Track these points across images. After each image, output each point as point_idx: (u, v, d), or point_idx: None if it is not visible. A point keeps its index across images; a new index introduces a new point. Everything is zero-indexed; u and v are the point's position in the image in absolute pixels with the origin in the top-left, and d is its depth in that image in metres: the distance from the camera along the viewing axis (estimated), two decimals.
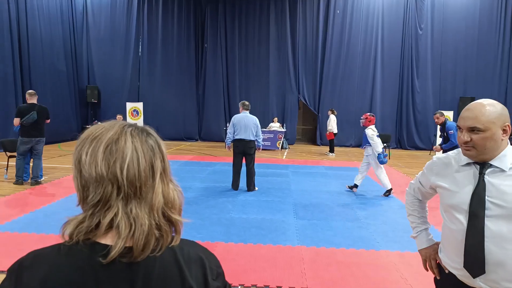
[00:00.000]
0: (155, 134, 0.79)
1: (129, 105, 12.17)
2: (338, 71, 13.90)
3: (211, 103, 14.48)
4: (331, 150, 11.64)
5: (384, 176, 6.52)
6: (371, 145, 6.41)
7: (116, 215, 0.69)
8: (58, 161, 9.13)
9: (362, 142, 6.75)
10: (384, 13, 13.73)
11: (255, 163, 6.81)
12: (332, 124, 11.48)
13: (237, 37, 14.26)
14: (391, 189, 6.62)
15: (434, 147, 6.93)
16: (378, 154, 6.33)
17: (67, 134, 13.35)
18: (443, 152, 6.45)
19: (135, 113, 12.07)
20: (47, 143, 11.88)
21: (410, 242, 4.39)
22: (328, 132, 11.65)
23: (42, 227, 4.52)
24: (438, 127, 7.49)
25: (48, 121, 6.89)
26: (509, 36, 13.32)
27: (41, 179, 6.80)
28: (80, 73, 14.32)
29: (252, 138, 6.49)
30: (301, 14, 13.95)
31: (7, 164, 7.27)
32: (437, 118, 6.56)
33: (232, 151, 6.73)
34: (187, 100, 14.48)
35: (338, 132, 13.97)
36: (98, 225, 0.69)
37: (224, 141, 11.72)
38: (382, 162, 6.34)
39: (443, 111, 7.40)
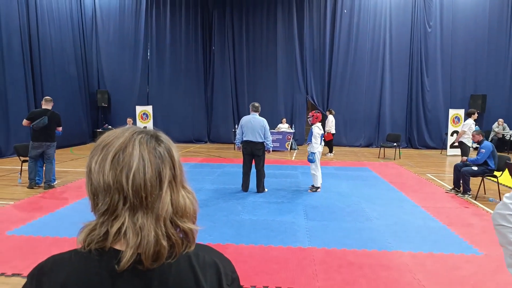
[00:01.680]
0: (166, 140, 0.78)
1: (139, 109, 12.28)
2: (346, 71, 13.83)
3: (220, 105, 14.52)
4: (330, 151, 11.61)
5: (319, 173, 6.68)
6: (319, 143, 6.56)
7: (123, 224, 0.70)
8: (70, 165, 9.26)
9: (317, 140, 6.78)
10: (392, 11, 13.61)
11: (265, 164, 6.80)
12: (330, 124, 11.43)
13: (245, 39, 14.28)
14: (318, 187, 6.75)
15: (462, 158, 7.26)
16: (310, 152, 6.51)
17: (79, 138, 13.53)
18: (465, 165, 6.57)
19: (144, 116, 12.17)
20: (59, 147, 12.09)
21: (422, 243, 4.35)
22: (326, 133, 11.58)
23: (56, 230, 4.59)
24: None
25: (60, 128, 6.97)
26: None
27: (54, 183, 6.91)
28: (90, 77, 14.50)
29: (260, 140, 6.47)
30: (308, 14, 13.91)
31: (21, 168, 7.40)
32: (473, 136, 6.67)
33: (241, 152, 6.74)
34: (196, 102, 14.55)
35: (347, 132, 13.93)
36: (107, 233, 0.71)
37: (233, 143, 11.73)
38: (310, 161, 6.58)
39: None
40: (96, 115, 14.96)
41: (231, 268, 0.83)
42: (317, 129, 6.58)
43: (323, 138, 6.80)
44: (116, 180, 0.70)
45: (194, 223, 0.78)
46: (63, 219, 5.04)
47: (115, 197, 0.71)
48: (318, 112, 6.75)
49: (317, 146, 6.53)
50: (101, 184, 0.71)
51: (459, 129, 10.62)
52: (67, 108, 12.66)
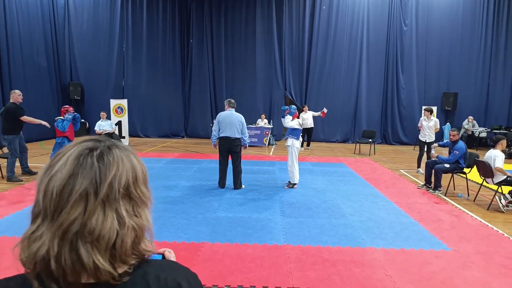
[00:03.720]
0: (116, 155, 0.70)
1: (113, 102, 11.94)
2: (324, 67, 13.94)
3: (197, 100, 14.34)
4: (308, 144, 12.04)
5: (296, 170, 6.77)
6: (292, 136, 6.66)
7: (35, 230, 0.65)
8: (40, 160, 8.92)
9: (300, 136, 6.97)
10: (369, 8, 13.79)
11: (242, 160, 6.78)
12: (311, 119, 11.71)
13: (223, 33, 14.12)
14: (295, 184, 6.85)
15: (431, 154, 7.26)
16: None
17: (49, 132, 12.98)
18: (435, 162, 6.74)
19: (119, 110, 11.85)
20: (28, 141, 11.64)
21: (395, 239, 4.45)
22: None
23: (23, 230, 4.40)
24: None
25: (23, 118, 6.80)
26: (491, 33, 13.57)
27: (10, 176, 6.72)
28: (62, 69, 13.97)
29: (238, 136, 6.45)
30: (288, 10, 13.90)
31: None
32: (454, 135, 6.73)
33: (218, 149, 6.69)
34: (173, 96, 14.31)
35: (324, 128, 14.09)
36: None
37: (210, 138, 11.68)
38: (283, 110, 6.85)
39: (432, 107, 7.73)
40: None
41: (198, 285, 0.76)
42: (295, 121, 6.68)
43: (300, 134, 6.85)
44: (40, 180, 0.67)
45: (116, 258, 0.66)
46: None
47: (36, 201, 0.67)
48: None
49: (287, 121, 6.65)
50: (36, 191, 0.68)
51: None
52: (36, 100, 12.19)
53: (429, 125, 8.39)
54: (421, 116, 12.16)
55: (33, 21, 12.15)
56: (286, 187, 6.86)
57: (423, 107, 9.57)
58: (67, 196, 0.64)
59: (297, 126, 6.69)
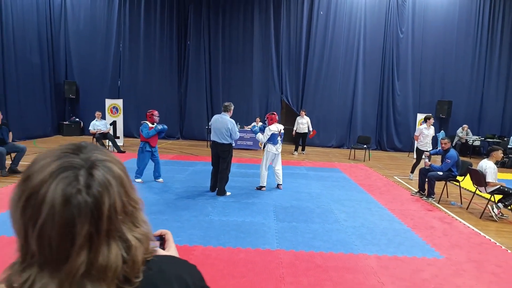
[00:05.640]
0: (100, 180, 0.62)
1: (109, 102, 11.87)
2: (320, 72, 13.98)
3: (193, 101, 14.31)
4: (303, 149, 12.10)
5: (265, 173, 6.92)
6: (269, 142, 6.81)
7: (29, 278, 0.60)
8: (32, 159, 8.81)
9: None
10: (366, 15, 13.88)
11: (237, 163, 6.75)
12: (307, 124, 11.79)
13: (221, 35, 14.13)
14: (262, 186, 6.95)
15: (425, 162, 7.15)
16: (254, 130, 7.09)
17: (42, 130, 12.96)
18: (428, 170, 6.74)
19: (114, 110, 11.78)
20: (20, 139, 11.56)
21: (387, 245, 4.46)
22: (312, 131, 11.88)
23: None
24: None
25: None
26: (486, 42, 13.72)
27: None
28: (57, 67, 13.87)
29: (224, 141, 6.27)
30: (285, 14, 13.95)
31: None
32: (445, 144, 6.74)
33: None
34: (169, 97, 14.27)
35: (320, 133, 14.13)
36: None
37: (205, 140, 11.65)
38: (254, 132, 7.10)
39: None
40: (63, 106, 14.35)
41: (199, 276, 0.78)
42: (272, 127, 6.76)
43: (278, 137, 6.86)
44: (24, 229, 0.60)
45: (121, 281, 0.64)
46: None
47: (24, 246, 0.61)
48: (273, 114, 6.87)
49: (261, 137, 6.83)
50: (14, 225, 0.62)
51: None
52: (27, 98, 12.10)
53: (430, 133, 8.36)
54: (416, 124, 12.33)
55: (27, 17, 12.06)
56: (256, 188, 6.98)
57: (424, 115, 9.39)
58: (70, 244, 0.59)
59: (272, 132, 6.74)
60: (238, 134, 6.49)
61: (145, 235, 0.69)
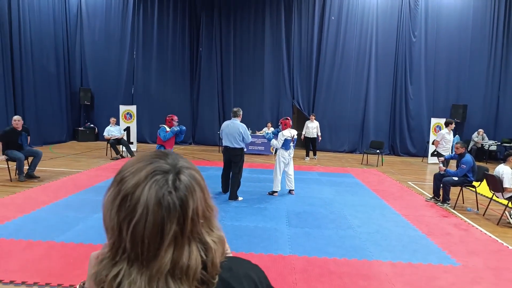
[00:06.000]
0: (186, 184, 0.68)
1: (123, 108, 12.06)
2: (332, 77, 13.94)
3: (205, 107, 14.42)
4: (314, 154, 12.02)
5: (278, 178, 6.88)
6: (282, 148, 6.81)
7: (119, 273, 0.65)
8: (49, 164, 9.01)
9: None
10: (378, 19, 13.81)
11: (249, 168, 6.78)
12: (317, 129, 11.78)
13: (232, 42, 14.24)
14: (275, 191, 6.94)
15: (439, 167, 7.02)
16: (269, 137, 7.10)
17: (58, 136, 13.23)
18: (443, 176, 6.62)
19: (128, 116, 11.95)
20: (37, 144, 11.84)
21: (402, 252, 4.39)
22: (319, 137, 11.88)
23: (31, 233, 4.44)
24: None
25: None
26: (501, 45, 13.48)
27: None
28: (72, 75, 14.18)
29: (237, 146, 6.34)
30: (296, 20, 13.98)
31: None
32: (457, 148, 6.62)
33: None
34: (181, 104, 14.41)
35: (332, 138, 14.07)
36: (107, 276, 0.66)
37: (217, 145, 11.70)
38: (268, 138, 7.13)
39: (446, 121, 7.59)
40: (78, 113, 14.64)
41: (263, 275, 0.83)
42: (286, 132, 6.77)
43: (291, 143, 6.86)
44: (119, 226, 0.66)
45: (199, 282, 0.68)
46: (38, 222, 4.88)
47: (116, 242, 0.66)
48: (287, 119, 6.88)
49: (275, 143, 6.83)
50: (107, 223, 0.68)
51: (436, 137, 10.86)
52: (44, 105, 12.40)
53: (451, 138, 8.22)
54: (430, 129, 12.15)
55: (44, 28, 12.41)
56: (268, 193, 6.96)
57: (441, 120, 9.17)
58: (158, 242, 0.64)
59: (286, 137, 6.74)
60: (250, 138, 6.59)
61: (221, 239, 0.74)
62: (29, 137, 7.54)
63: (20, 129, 7.13)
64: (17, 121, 7.08)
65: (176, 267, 0.65)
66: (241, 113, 6.57)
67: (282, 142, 6.76)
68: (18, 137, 7.11)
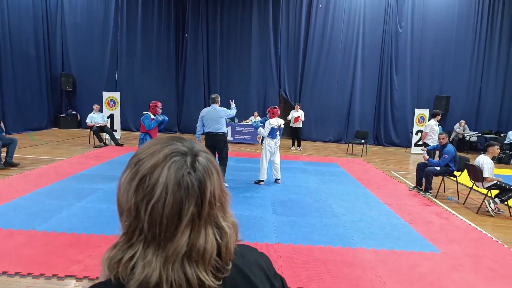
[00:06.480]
0: (204, 166, 0.68)
1: (106, 95, 11.79)
2: (319, 66, 13.94)
3: (191, 95, 14.25)
4: (299, 144, 11.92)
5: (264, 167, 6.92)
6: (268, 137, 6.86)
7: (134, 255, 0.64)
8: (29, 151, 8.78)
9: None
10: (365, 9, 13.82)
11: (235, 157, 6.76)
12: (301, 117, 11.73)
13: (219, 28, 14.04)
14: (261, 180, 6.97)
15: (423, 156, 7.15)
16: (255, 125, 7.16)
17: (39, 122, 12.88)
18: (426, 165, 6.74)
19: (111, 103, 11.70)
20: (17, 131, 11.49)
21: (385, 239, 4.48)
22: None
23: (11, 222, 4.33)
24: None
25: None
26: (485, 38, 13.71)
27: None
28: (53, 59, 13.76)
29: (220, 131, 6.35)
30: (284, 7, 13.85)
31: None
32: (443, 138, 6.74)
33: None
34: (166, 91, 14.19)
35: (318, 127, 14.14)
36: (121, 259, 0.66)
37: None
38: (255, 127, 7.18)
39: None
40: (60, 99, 14.25)
41: (269, 261, 0.85)
42: (273, 121, 6.82)
43: (277, 132, 6.89)
44: (136, 207, 0.65)
45: (214, 268, 0.68)
46: (19, 210, 4.77)
47: (133, 224, 0.66)
48: (275, 108, 6.92)
49: (262, 131, 6.88)
50: (124, 205, 0.67)
51: (423, 128, 11.00)
52: (24, 90, 12.04)
53: (438, 129, 8.35)
54: (414, 120, 12.34)
55: (23, 9, 11.95)
56: (254, 182, 6.98)
57: (429, 111, 9.18)
58: (176, 223, 0.64)
59: (272, 126, 6.78)
60: (234, 111, 6.73)
61: (235, 225, 0.74)
62: (2, 124, 7.28)
63: None
64: None
65: (193, 250, 0.65)
66: (219, 99, 6.55)
67: (269, 130, 6.77)
68: None
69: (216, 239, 0.68)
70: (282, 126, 6.97)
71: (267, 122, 6.87)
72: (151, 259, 0.63)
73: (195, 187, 0.65)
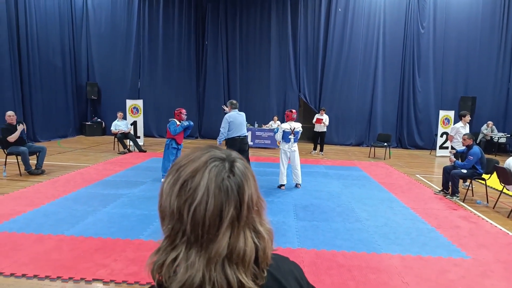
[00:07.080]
0: (241, 171, 0.71)
1: (129, 102, 12.08)
2: (339, 70, 13.82)
3: (211, 101, 14.40)
4: (321, 149, 11.70)
5: (283, 171, 6.90)
6: (283, 140, 6.89)
7: (177, 257, 0.67)
8: (57, 159, 9.08)
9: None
10: (386, 11, 13.62)
11: (256, 162, 6.81)
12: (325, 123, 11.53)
13: (238, 34, 14.16)
14: (281, 185, 6.94)
15: (450, 158, 6.94)
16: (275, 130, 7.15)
17: (65, 130, 13.33)
18: (453, 168, 6.53)
19: (135, 110, 11.97)
20: (44, 139, 11.93)
21: (411, 245, 4.36)
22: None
23: (40, 227, 4.48)
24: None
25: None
26: (511, 36, 13.23)
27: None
28: (79, 69, 14.25)
29: (246, 135, 6.77)
30: (303, 12, 13.84)
31: (5, 161, 7.24)
32: (464, 140, 6.54)
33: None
34: (187, 97, 14.41)
35: (339, 131, 13.98)
36: (164, 262, 0.68)
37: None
38: (274, 133, 7.21)
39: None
40: (85, 107, 14.72)
41: (302, 271, 0.86)
42: (284, 125, 6.90)
43: (290, 135, 6.85)
44: (179, 210, 0.68)
45: (253, 271, 0.69)
46: (48, 216, 4.93)
47: (176, 226, 0.68)
48: (291, 112, 6.95)
49: (276, 135, 6.99)
50: (167, 209, 0.70)
51: (448, 130, 10.63)
52: (51, 100, 12.50)
53: (466, 131, 7.59)
54: (438, 122, 12.00)
55: (50, 22, 12.46)
56: (277, 187, 6.99)
57: (461, 112, 8.36)
58: (218, 225, 0.66)
59: (284, 130, 6.82)
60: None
61: (271, 232, 0.75)
62: (24, 128, 7.38)
63: (15, 123, 7.15)
64: (11, 116, 7.11)
65: (233, 252, 0.67)
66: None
67: (281, 134, 6.86)
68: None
69: (255, 243, 0.69)
70: (298, 129, 6.91)
71: (279, 126, 6.97)
72: (194, 260, 0.65)
73: (234, 190, 0.68)
